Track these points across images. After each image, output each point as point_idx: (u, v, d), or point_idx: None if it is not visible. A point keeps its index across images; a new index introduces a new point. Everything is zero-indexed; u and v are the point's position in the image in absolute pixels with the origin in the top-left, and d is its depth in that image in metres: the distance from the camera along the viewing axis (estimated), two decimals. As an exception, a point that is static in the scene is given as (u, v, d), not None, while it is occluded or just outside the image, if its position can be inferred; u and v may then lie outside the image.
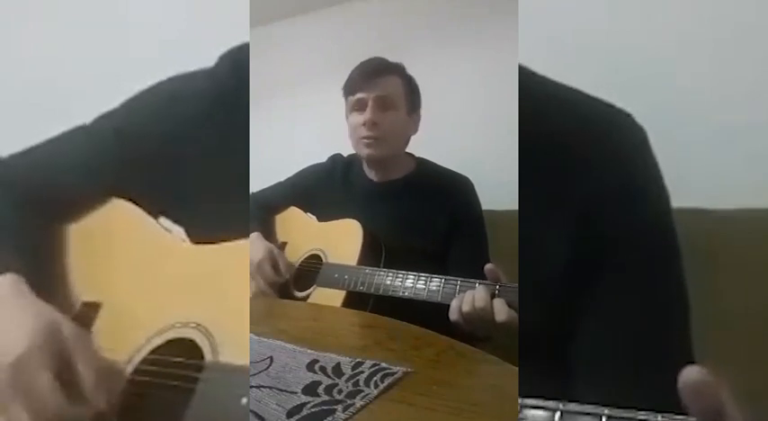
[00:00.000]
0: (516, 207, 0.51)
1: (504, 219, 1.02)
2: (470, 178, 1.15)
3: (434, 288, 0.86)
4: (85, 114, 0.69)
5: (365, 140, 1.09)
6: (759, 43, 0.99)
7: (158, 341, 0.53)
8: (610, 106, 0.55)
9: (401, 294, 0.90)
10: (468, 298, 0.79)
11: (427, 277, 0.88)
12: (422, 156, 1.22)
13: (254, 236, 1.09)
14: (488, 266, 0.81)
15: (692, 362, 0.48)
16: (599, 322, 0.50)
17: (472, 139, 1.65)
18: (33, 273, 0.52)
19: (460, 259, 1.05)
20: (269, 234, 1.22)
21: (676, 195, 0.54)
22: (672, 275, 0.52)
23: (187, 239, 0.62)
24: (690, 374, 0.30)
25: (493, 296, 0.78)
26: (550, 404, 0.35)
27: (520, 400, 0.36)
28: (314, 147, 1.37)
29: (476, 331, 0.80)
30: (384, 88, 1.08)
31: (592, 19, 1.09)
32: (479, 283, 0.81)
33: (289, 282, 1.09)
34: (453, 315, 0.81)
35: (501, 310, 0.76)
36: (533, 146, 0.51)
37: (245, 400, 0.43)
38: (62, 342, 0.46)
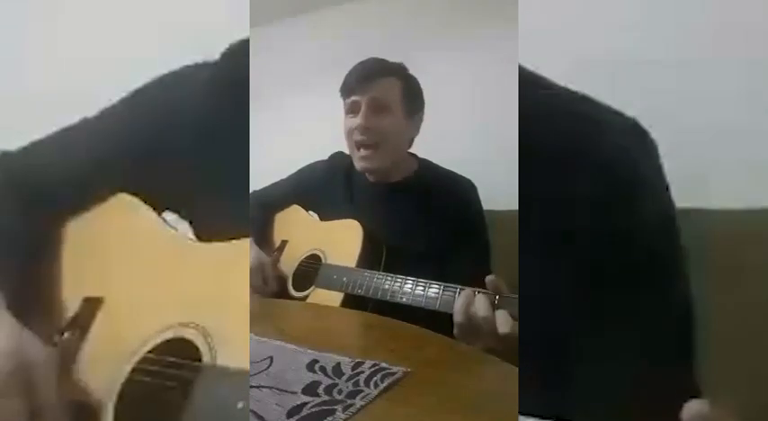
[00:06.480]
0: (516, 207, 0.51)
1: (504, 220, 1.02)
2: (472, 179, 1.15)
3: (433, 294, 0.85)
4: (85, 110, 0.69)
5: (360, 152, 1.07)
6: (758, 44, 0.99)
7: (157, 340, 0.53)
8: (614, 111, 0.55)
9: (399, 299, 0.89)
10: (470, 307, 0.76)
11: (426, 283, 0.87)
12: (423, 156, 1.21)
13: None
14: (489, 278, 0.77)
15: (691, 378, 0.47)
16: (600, 328, 0.49)
17: (472, 140, 1.65)
18: (32, 267, 0.52)
19: (461, 264, 1.02)
20: (267, 234, 1.22)
21: (676, 195, 0.54)
22: (676, 284, 0.52)
23: (192, 235, 0.62)
24: (692, 409, 0.31)
25: (494, 307, 0.75)
26: None
27: (520, 419, 0.36)
28: (315, 145, 1.37)
29: (477, 342, 0.75)
30: (379, 90, 1.06)
31: (593, 20, 1.09)
32: (478, 292, 0.78)
33: (285, 283, 1.09)
34: (458, 317, 0.77)
35: (504, 322, 0.72)
36: (534, 148, 0.51)
37: (241, 405, 0.43)
38: (28, 368, 0.46)
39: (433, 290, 0.85)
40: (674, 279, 0.52)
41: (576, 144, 0.51)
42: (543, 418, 0.35)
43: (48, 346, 0.50)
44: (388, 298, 0.90)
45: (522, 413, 0.36)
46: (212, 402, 0.45)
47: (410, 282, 0.89)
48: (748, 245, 0.90)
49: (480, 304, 0.76)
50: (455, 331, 0.78)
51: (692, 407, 0.31)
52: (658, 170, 0.53)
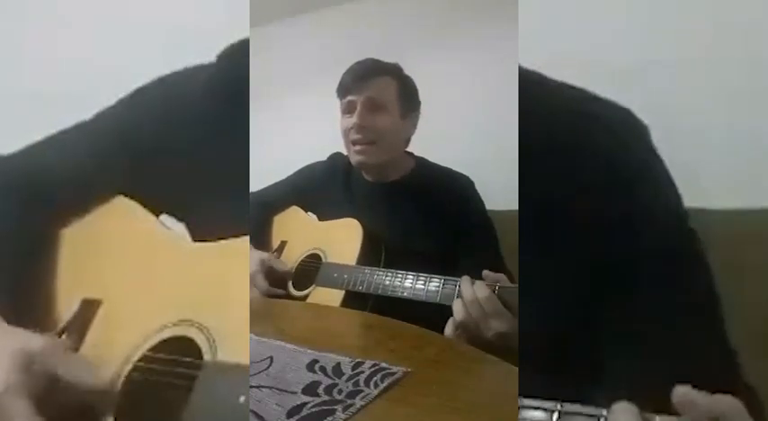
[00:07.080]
0: (516, 207, 0.51)
1: (504, 220, 1.02)
2: (471, 178, 1.15)
3: (434, 288, 0.85)
4: (84, 111, 0.69)
5: (356, 147, 1.08)
6: (758, 44, 0.99)
7: (156, 339, 0.53)
8: (609, 103, 0.55)
9: (400, 294, 0.89)
10: (470, 297, 0.76)
11: (426, 277, 0.88)
12: (421, 156, 1.21)
13: None
14: (485, 272, 0.78)
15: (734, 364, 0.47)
16: (601, 327, 0.49)
17: (472, 139, 1.65)
18: (30, 269, 0.52)
19: (468, 260, 1.01)
20: (266, 235, 1.22)
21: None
22: (688, 276, 0.51)
23: (188, 237, 0.62)
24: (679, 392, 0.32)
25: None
26: (548, 404, 0.35)
27: (519, 400, 0.36)
28: (315, 145, 1.37)
29: (479, 331, 0.75)
30: (374, 90, 1.07)
31: (592, 20, 1.09)
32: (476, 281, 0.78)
33: (286, 283, 1.09)
34: (450, 329, 0.78)
35: (487, 298, 0.73)
36: (534, 147, 0.51)
37: (242, 399, 0.43)
38: (36, 368, 0.45)
39: (434, 284, 0.86)
40: (684, 271, 0.51)
41: (575, 142, 0.51)
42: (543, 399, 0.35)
43: (45, 336, 0.49)
44: (389, 293, 0.91)
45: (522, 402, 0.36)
46: (214, 397, 0.45)
47: (410, 277, 0.90)
48: (748, 245, 0.90)
49: (480, 290, 0.75)
50: (457, 332, 0.78)
51: (678, 391, 0.32)
52: (656, 158, 0.53)
